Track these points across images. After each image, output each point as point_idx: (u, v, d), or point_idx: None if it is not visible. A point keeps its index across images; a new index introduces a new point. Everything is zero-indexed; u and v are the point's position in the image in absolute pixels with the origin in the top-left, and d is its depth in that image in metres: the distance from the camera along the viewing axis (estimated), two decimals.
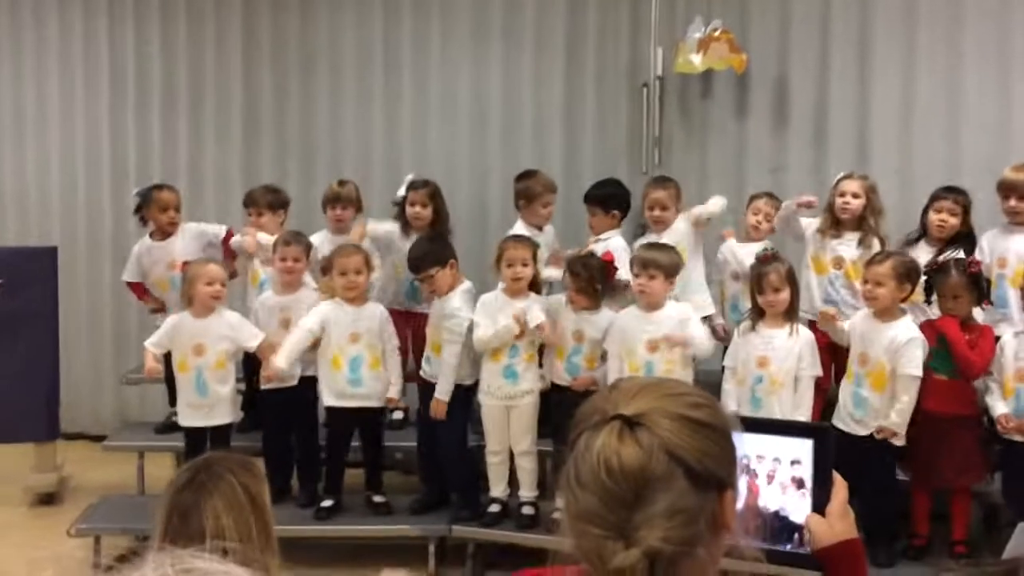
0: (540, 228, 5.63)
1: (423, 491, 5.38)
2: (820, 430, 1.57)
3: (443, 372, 5.03)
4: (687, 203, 5.57)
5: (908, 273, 4.65)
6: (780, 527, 1.49)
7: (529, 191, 5.63)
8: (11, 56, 7.30)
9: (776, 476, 1.51)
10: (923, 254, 5.07)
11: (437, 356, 5.10)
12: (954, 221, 5.16)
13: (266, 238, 5.58)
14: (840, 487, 1.54)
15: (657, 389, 1.35)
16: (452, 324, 5.00)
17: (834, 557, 1.54)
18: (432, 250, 5.13)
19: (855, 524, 1.56)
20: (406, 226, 5.71)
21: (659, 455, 1.27)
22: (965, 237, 5.17)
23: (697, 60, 5.99)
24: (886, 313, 4.66)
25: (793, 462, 1.51)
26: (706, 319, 5.22)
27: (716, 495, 1.31)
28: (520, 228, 5.55)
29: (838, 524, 1.53)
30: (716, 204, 5.47)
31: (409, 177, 5.83)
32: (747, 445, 1.43)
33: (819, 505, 1.52)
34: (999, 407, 4.64)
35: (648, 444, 1.27)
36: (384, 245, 5.79)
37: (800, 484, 1.51)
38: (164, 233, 5.86)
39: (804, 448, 1.52)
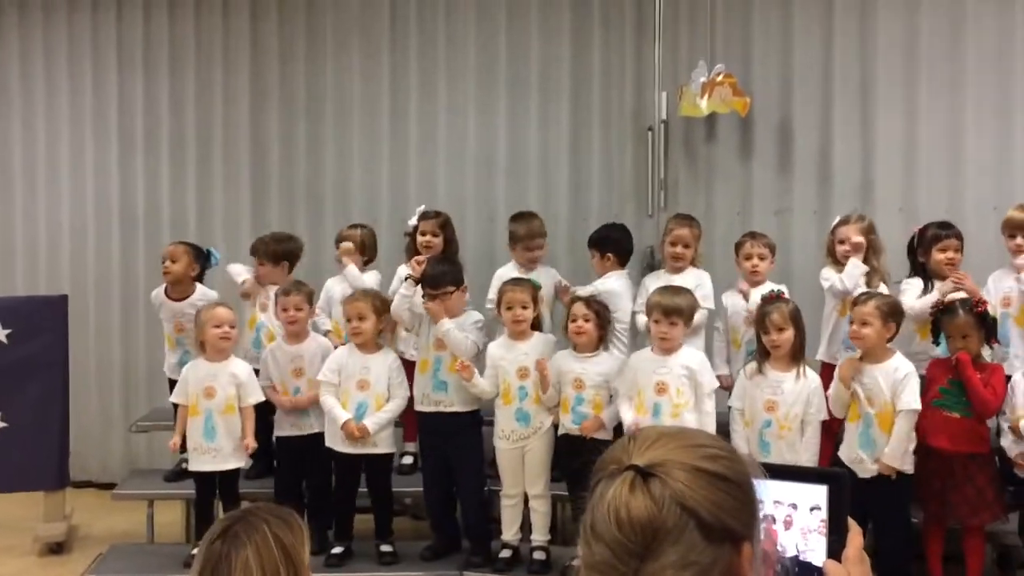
0: (528, 269, 5.66)
1: (434, 538, 5.35)
2: (835, 476, 1.57)
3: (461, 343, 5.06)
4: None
5: (892, 312, 4.68)
6: (800, 572, 1.49)
7: (515, 234, 5.72)
8: (22, 106, 7.38)
9: (794, 521, 1.51)
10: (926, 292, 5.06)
11: (451, 370, 5.11)
12: (960, 257, 5.17)
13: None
14: (855, 533, 1.53)
15: (675, 439, 1.33)
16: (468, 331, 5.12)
17: None
18: (451, 271, 5.23)
19: (871, 571, 1.56)
20: (417, 256, 5.76)
21: (671, 507, 1.26)
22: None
23: (702, 104, 6.04)
24: (879, 354, 4.67)
25: (813, 508, 1.51)
26: None
27: (731, 548, 1.29)
28: (511, 267, 5.65)
29: (855, 570, 1.52)
30: (698, 318, 5.27)
31: (421, 208, 5.91)
32: (764, 490, 1.43)
33: (834, 551, 1.52)
34: (1014, 448, 4.63)
35: (660, 495, 1.26)
36: None
37: (823, 528, 1.51)
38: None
39: (819, 494, 1.52)
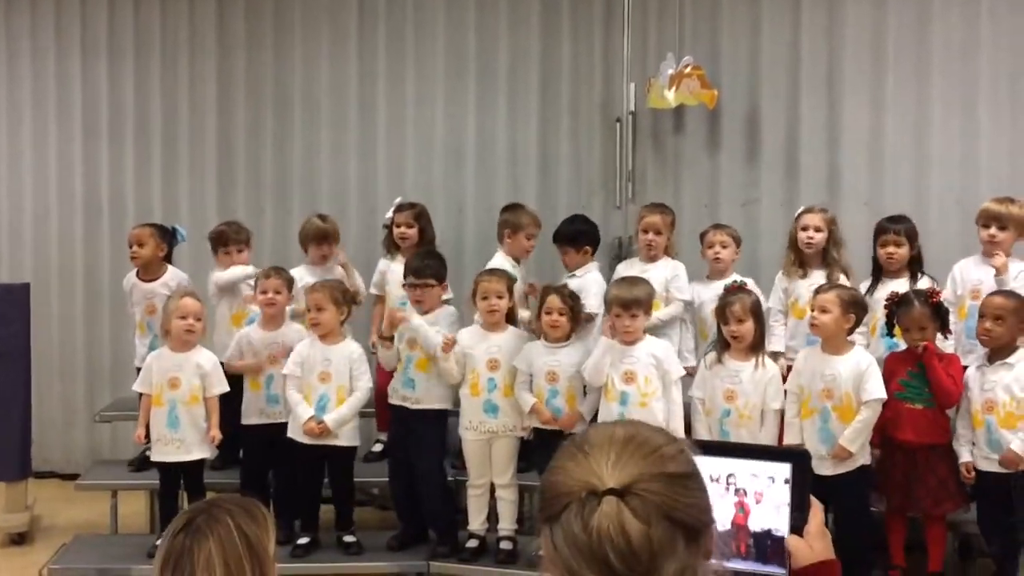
0: (518, 261, 5.67)
1: (400, 528, 5.34)
2: (798, 455, 1.61)
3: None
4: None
5: (853, 303, 4.71)
6: (773, 545, 1.52)
7: (516, 221, 5.71)
8: None
9: (766, 495, 1.54)
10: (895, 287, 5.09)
11: (424, 372, 5.11)
12: (902, 251, 5.18)
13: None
14: (817, 509, 1.58)
15: (631, 449, 1.31)
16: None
17: None
18: (434, 265, 5.23)
19: (832, 545, 1.59)
20: (394, 248, 5.83)
21: (659, 522, 1.25)
22: (915, 262, 5.21)
23: (670, 96, 6.06)
24: (838, 346, 4.71)
25: (786, 481, 1.54)
26: None
27: (706, 535, 1.31)
28: (500, 259, 5.61)
29: (817, 544, 1.57)
30: (673, 309, 5.42)
31: (397, 200, 5.94)
32: (738, 465, 1.46)
33: (797, 527, 1.56)
34: (964, 454, 4.68)
35: (646, 514, 1.25)
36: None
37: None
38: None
39: (783, 472, 1.56)
